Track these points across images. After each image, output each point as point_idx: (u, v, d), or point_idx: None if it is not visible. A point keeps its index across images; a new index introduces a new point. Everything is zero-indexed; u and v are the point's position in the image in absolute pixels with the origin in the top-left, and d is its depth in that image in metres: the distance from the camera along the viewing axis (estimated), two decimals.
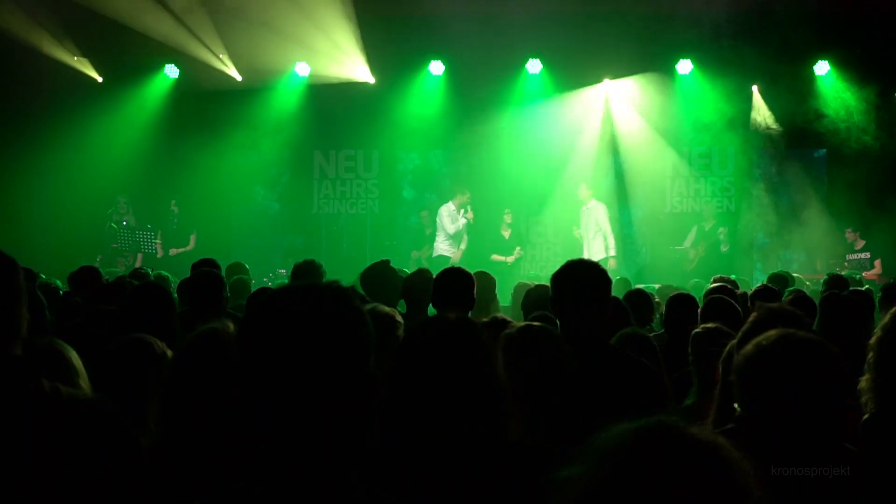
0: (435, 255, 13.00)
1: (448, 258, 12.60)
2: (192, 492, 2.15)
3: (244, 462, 2.16)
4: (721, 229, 13.16)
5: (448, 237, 13.08)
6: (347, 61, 13.48)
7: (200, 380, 2.26)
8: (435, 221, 13.46)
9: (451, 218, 13.08)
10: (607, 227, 12.92)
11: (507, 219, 13.50)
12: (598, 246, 12.80)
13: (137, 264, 11.95)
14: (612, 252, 12.78)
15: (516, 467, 2.09)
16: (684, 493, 1.15)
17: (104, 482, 1.60)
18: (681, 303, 4.89)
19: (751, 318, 2.89)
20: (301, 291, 1.55)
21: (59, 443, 1.56)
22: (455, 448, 2.08)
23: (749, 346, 2.05)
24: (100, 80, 13.99)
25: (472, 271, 4.73)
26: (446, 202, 13.32)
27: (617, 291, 5.70)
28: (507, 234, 13.53)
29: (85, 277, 6.47)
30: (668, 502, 1.14)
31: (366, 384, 1.52)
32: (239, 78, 13.78)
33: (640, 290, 5.73)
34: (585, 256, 12.40)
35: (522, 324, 3.01)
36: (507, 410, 2.18)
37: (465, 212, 13.05)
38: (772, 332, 2.06)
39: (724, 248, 13.06)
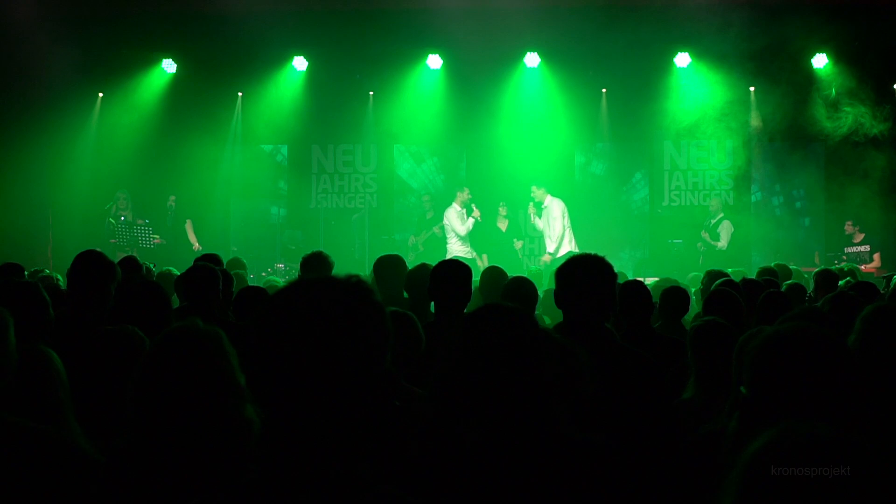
0: (449, 256, 12.95)
1: (466, 259, 12.55)
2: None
3: (244, 458, 2.15)
4: (722, 224, 13.13)
5: (460, 238, 13.12)
6: (345, 55, 13.44)
7: (167, 378, 2.22)
8: (435, 206, 13.77)
9: (460, 219, 13.14)
10: (558, 224, 12.85)
11: (503, 211, 13.59)
12: (564, 242, 12.82)
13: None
14: (551, 249, 12.74)
15: (571, 460, 2.10)
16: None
17: None
18: (674, 297, 4.92)
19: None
20: (321, 285, 1.51)
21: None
22: (514, 440, 2.07)
23: (768, 331, 2.08)
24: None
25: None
26: (452, 198, 13.41)
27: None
28: (503, 226, 13.58)
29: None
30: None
31: (381, 379, 1.50)
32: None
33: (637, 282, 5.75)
34: (549, 250, 12.75)
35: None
36: (557, 402, 2.19)
37: (472, 211, 13.09)
38: (792, 323, 2.11)
39: (718, 245, 13.03)
